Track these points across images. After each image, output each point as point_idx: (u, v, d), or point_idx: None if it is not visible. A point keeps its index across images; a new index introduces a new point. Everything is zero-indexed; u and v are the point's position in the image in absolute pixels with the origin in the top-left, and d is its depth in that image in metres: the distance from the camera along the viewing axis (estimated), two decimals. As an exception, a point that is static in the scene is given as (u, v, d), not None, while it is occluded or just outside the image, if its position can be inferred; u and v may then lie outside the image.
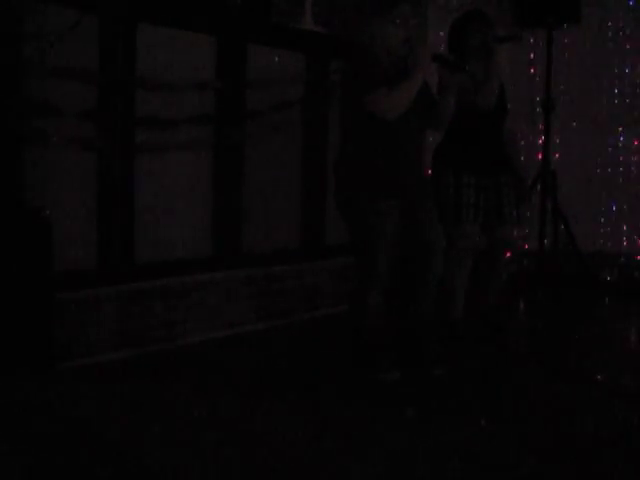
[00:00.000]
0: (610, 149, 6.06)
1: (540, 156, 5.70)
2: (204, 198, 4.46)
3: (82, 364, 3.66)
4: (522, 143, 6.06)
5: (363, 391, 3.45)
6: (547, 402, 3.36)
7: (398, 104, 3.40)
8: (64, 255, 3.66)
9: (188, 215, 4.37)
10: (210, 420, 3.06)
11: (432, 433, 2.97)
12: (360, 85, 3.42)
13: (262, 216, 4.75)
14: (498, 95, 4.08)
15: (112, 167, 3.96)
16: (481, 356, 4.02)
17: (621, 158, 6.04)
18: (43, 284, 3.45)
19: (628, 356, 4.15)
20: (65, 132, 3.75)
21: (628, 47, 5.96)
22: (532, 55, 6.17)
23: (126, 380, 3.50)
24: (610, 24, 5.97)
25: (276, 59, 4.75)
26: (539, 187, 5.50)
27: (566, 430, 3.02)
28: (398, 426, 3.04)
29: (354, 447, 2.83)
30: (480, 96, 4.01)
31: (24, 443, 2.75)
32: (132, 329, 3.95)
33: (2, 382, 3.28)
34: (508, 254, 4.33)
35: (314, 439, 2.89)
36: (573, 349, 4.24)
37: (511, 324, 4.66)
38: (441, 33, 5.79)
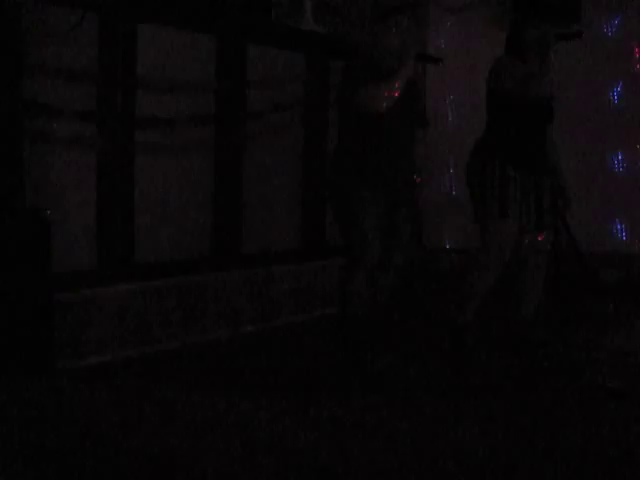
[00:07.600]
0: (610, 149, 6.06)
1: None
2: (204, 198, 4.46)
3: (82, 364, 3.66)
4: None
5: (363, 391, 3.45)
6: (546, 400, 3.37)
7: (380, 96, 3.52)
8: (64, 255, 3.66)
9: (188, 215, 4.37)
10: (210, 419, 3.06)
11: (430, 427, 2.98)
12: (350, 85, 3.57)
13: (262, 216, 4.75)
14: (550, 92, 3.87)
15: (112, 167, 3.97)
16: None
17: (621, 158, 6.04)
18: (43, 284, 3.45)
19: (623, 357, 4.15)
20: (65, 132, 3.75)
21: (628, 48, 5.97)
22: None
23: (126, 380, 3.50)
24: (609, 25, 5.98)
25: (276, 59, 4.75)
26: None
27: (569, 429, 3.03)
28: (398, 425, 3.04)
29: (355, 447, 2.83)
30: (532, 86, 3.80)
31: (24, 443, 2.75)
32: (132, 329, 3.95)
33: (2, 382, 3.28)
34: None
35: (314, 437, 2.89)
36: (571, 348, 4.24)
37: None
38: (441, 33, 5.83)
